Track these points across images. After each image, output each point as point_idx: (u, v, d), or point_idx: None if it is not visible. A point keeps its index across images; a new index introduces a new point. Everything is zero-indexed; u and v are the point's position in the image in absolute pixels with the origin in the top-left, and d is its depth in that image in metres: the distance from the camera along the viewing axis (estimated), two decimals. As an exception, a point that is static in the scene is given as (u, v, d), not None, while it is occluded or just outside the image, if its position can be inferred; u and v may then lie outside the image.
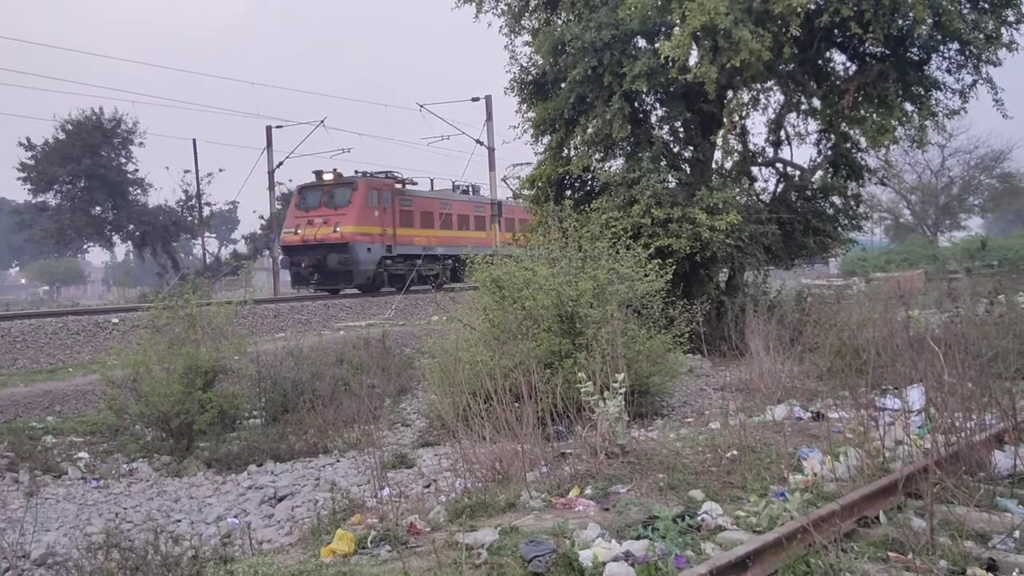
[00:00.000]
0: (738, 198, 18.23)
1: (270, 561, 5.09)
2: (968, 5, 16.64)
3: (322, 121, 33.42)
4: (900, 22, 16.05)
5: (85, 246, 56.29)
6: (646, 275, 11.92)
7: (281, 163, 33.99)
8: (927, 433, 6.90)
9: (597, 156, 19.03)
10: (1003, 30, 16.52)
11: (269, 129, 35.00)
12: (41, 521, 8.51)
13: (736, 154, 20.08)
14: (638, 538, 5.14)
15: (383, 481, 7.32)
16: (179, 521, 8.92)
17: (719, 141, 19.44)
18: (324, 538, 5.79)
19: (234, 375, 13.17)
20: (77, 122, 46.59)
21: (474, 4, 19.01)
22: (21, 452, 11.21)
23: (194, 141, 27.90)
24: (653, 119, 19.60)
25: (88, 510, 9.46)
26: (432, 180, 36.46)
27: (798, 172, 20.45)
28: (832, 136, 19.17)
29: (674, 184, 18.14)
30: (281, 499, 9.46)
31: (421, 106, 33.34)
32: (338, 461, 10.92)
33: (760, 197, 20.52)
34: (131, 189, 49.19)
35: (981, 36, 16.34)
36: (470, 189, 38.65)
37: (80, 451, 11.73)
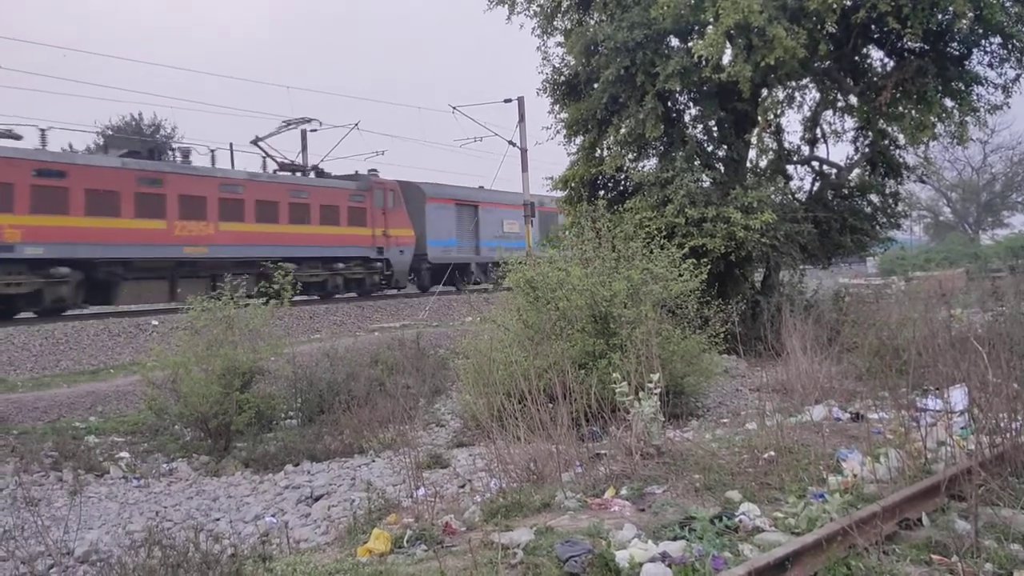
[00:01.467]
0: (773, 197, 18.06)
1: (307, 560, 5.14)
2: (1010, -2, 16.31)
3: (356, 124, 33.46)
4: (939, 17, 15.77)
5: (125, 250, 57.13)
6: (680, 275, 11.85)
7: (316, 166, 33.92)
8: (971, 434, 6.76)
9: (630, 156, 18.97)
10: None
11: (304, 132, 35.31)
12: (84, 519, 8.67)
13: (771, 152, 19.91)
14: (675, 539, 5.09)
15: (418, 481, 7.35)
16: (218, 520, 9.05)
17: (754, 140, 19.28)
18: (360, 537, 5.83)
19: (271, 376, 13.33)
20: (117, 128, 47.47)
21: (507, 6, 19.06)
22: (65, 451, 11.45)
23: (231, 145, 28.11)
24: (686, 118, 19.51)
25: (129, 508, 9.64)
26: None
27: (834, 170, 20.21)
28: (869, 133, 18.91)
29: (708, 183, 18.02)
30: (318, 499, 9.56)
31: (454, 108, 33.21)
32: (373, 461, 11.00)
33: (796, 196, 20.31)
34: (170, 193, 49.91)
35: (1024, 29, 16.01)
36: (153, 151, 24.43)
37: (121, 451, 11.94)
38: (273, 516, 8.89)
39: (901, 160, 20.01)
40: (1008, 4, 16.09)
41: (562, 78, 19.33)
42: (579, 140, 19.23)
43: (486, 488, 7.40)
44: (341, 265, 27.45)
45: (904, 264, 43.28)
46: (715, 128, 19.29)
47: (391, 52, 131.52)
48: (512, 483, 6.98)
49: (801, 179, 20.80)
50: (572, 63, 19.00)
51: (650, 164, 19.14)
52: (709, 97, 18.12)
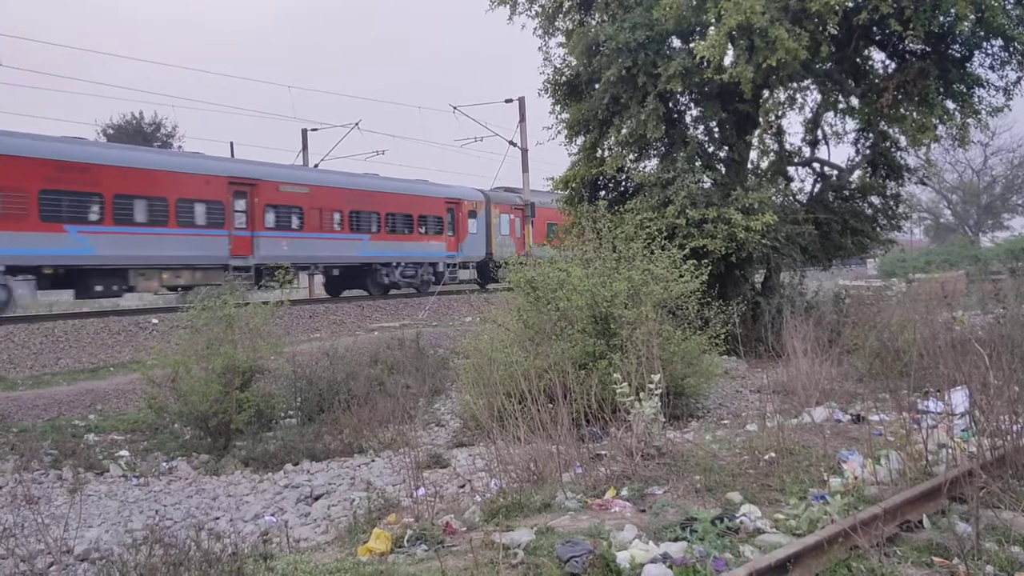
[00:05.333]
0: (774, 198, 18.06)
1: (308, 559, 5.13)
2: (1012, 0, 16.30)
3: (357, 124, 33.55)
4: (941, 19, 15.76)
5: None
6: (681, 276, 11.84)
7: (316, 165, 33.76)
8: (972, 436, 6.76)
9: (631, 157, 18.96)
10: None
11: (305, 132, 35.37)
12: (84, 517, 8.66)
13: (772, 154, 19.92)
14: (676, 540, 5.09)
15: (418, 481, 7.34)
16: (218, 518, 9.03)
17: (755, 141, 19.28)
18: (360, 537, 5.83)
19: (271, 375, 13.32)
20: (118, 127, 47.45)
21: (508, 6, 19.04)
22: (64, 450, 11.45)
23: (231, 144, 28.25)
24: (688, 119, 19.50)
25: (129, 507, 9.63)
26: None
27: (836, 172, 20.22)
28: (871, 135, 18.92)
29: (709, 184, 18.01)
30: (317, 498, 9.55)
31: (455, 108, 33.18)
32: (373, 461, 10.99)
33: (797, 197, 20.32)
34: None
35: (1026, 32, 16.00)
36: None
37: (121, 449, 11.94)
38: (273, 515, 8.88)
39: (902, 162, 20.03)
40: (1010, 7, 16.09)
41: (563, 78, 19.32)
42: (580, 141, 19.22)
43: (486, 488, 7.40)
44: None
45: (904, 266, 43.21)
46: (716, 129, 19.28)
47: (391, 51, 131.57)
48: (512, 483, 6.97)
49: (802, 180, 20.84)
50: (573, 64, 18.98)
51: (651, 165, 19.14)
52: (710, 98, 18.11)
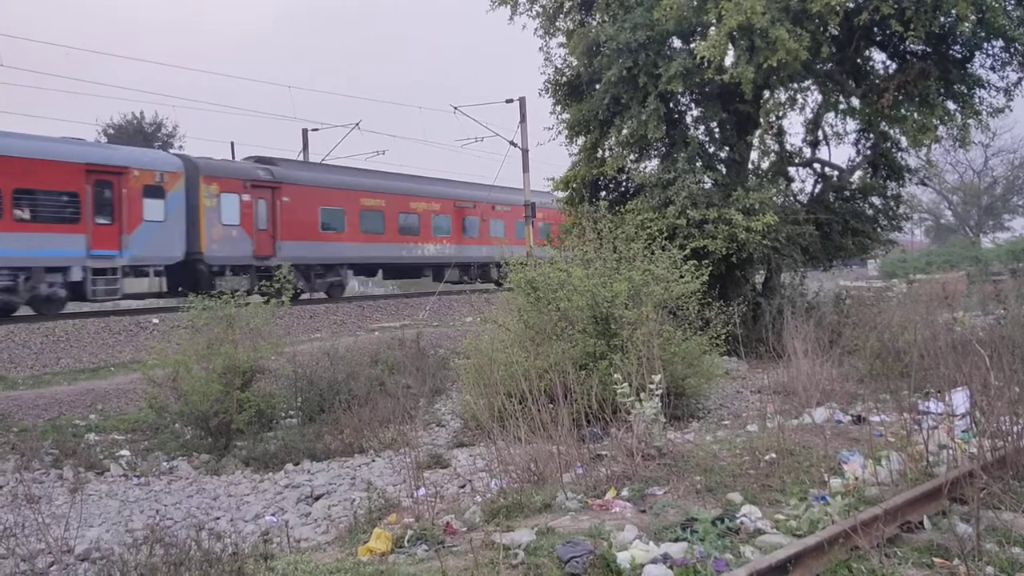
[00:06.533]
0: (775, 199, 18.06)
1: (308, 559, 5.13)
2: (1013, 1, 16.30)
3: (357, 124, 33.48)
4: (942, 19, 15.76)
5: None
6: (681, 276, 11.84)
7: None
8: (972, 437, 6.76)
9: (632, 157, 18.96)
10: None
11: (305, 132, 35.31)
12: (85, 517, 8.66)
13: (773, 154, 19.91)
14: (676, 540, 5.09)
15: (419, 481, 7.34)
16: (218, 518, 9.04)
17: (756, 141, 19.27)
18: (361, 537, 5.83)
19: (271, 375, 13.33)
20: (119, 126, 47.42)
21: (509, 7, 19.04)
22: (65, 449, 11.46)
23: (232, 144, 28.21)
24: (688, 120, 19.50)
25: (130, 506, 9.64)
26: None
27: (836, 172, 20.22)
28: (871, 135, 18.92)
29: (710, 185, 18.01)
30: (318, 498, 9.56)
31: (455, 108, 33.04)
32: (373, 461, 11.00)
33: (797, 198, 20.32)
34: (170, 192, 49.71)
35: (1027, 32, 16.00)
36: None
37: (122, 449, 11.95)
38: (273, 515, 8.89)
39: (903, 162, 20.02)
40: (1010, 7, 16.09)
41: (564, 79, 19.32)
42: (581, 141, 19.22)
43: (486, 488, 7.40)
44: None
45: (905, 267, 43.19)
46: (717, 129, 19.27)
47: (391, 51, 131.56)
48: (513, 483, 6.97)
49: (803, 181, 20.85)
50: (574, 64, 18.99)
51: (652, 165, 19.14)
52: (711, 98, 18.11)
